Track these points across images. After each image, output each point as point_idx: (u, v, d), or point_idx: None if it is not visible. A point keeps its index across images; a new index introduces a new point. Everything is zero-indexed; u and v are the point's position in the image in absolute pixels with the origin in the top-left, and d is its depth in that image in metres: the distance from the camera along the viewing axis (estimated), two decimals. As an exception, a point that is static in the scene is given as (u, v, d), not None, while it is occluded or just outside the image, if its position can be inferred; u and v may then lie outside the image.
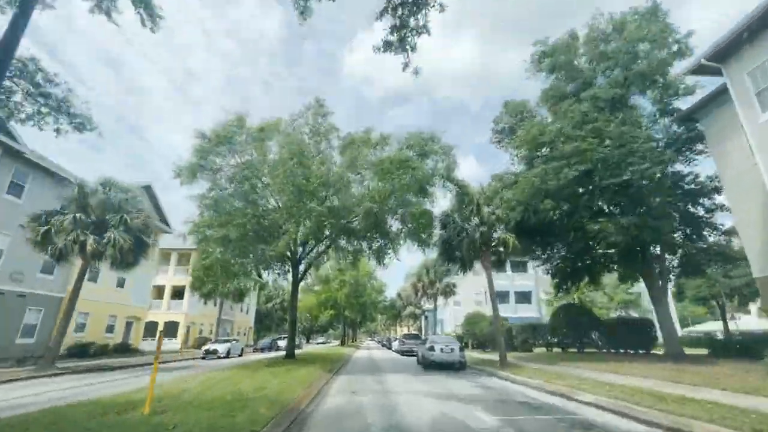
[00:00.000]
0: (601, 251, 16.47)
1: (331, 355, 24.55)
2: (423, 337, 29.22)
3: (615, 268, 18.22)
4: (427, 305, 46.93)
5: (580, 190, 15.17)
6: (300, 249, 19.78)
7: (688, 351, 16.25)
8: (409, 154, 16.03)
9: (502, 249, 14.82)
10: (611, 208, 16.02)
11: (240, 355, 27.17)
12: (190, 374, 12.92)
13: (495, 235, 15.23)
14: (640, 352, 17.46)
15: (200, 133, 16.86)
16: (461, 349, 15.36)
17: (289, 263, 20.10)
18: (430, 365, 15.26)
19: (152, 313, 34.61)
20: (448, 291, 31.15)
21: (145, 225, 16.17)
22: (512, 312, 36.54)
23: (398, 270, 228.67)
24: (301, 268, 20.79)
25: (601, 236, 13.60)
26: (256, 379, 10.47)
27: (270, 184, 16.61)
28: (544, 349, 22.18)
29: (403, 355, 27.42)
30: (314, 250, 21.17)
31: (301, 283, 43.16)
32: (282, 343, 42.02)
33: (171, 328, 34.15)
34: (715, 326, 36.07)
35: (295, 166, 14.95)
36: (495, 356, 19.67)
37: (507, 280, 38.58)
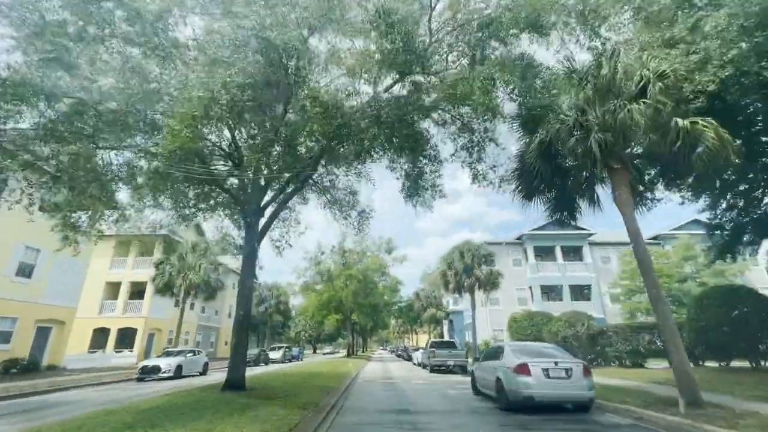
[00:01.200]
0: None
1: (324, 375, 16.54)
2: (461, 346, 21.11)
3: None
4: (453, 306, 38.56)
5: None
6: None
7: None
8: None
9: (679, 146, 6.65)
10: None
11: (202, 373, 19.32)
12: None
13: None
14: None
15: None
16: (586, 372, 7.28)
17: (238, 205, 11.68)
18: (519, 402, 7.24)
19: (105, 317, 27.17)
20: (491, 281, 22.89)
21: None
22: (566, 309, 28.03)
23: (413, 269, 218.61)
24: (263, 221, 11.73)
25: None
26: None
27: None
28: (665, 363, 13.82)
29: (434, 372, 19.30)
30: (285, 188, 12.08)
31: (300, 281, 35.29)
32: (275, 355, 34.16)
33: (127, 336, 26.58)
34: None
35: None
36: (618, 379, 11.52)
37: (558, 270, 30.18)
